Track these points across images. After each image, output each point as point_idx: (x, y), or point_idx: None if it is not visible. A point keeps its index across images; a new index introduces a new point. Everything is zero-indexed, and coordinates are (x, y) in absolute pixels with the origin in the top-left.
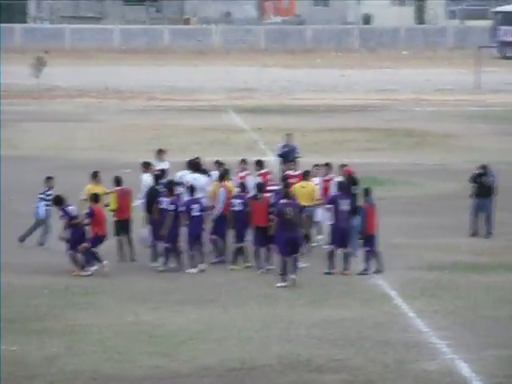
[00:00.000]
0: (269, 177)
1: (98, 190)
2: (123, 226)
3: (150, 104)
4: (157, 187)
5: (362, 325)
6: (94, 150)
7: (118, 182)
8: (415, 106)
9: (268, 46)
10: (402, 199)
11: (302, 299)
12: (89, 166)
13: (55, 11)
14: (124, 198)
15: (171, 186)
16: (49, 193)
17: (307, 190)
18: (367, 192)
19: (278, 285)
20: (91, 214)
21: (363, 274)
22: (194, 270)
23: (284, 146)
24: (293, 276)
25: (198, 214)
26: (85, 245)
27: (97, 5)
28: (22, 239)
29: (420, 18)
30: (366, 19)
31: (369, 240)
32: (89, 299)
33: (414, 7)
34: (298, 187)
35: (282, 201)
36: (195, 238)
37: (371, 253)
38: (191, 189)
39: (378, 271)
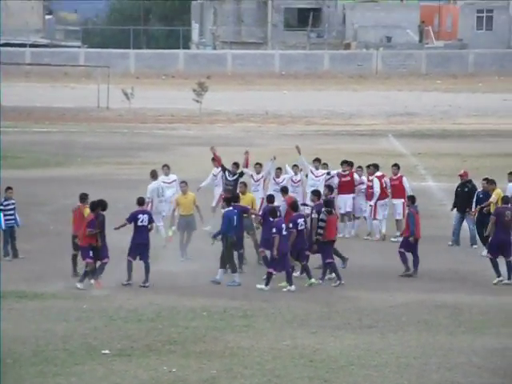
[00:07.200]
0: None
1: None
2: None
3: (309, 128)
4: None
5: None
6: None
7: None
8: None
9: (429, 71)
10: None
11: (463, 326)
12: None
13: (217, 37)
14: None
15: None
16: (6, 203)
17: None
18: None
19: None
20: None
21: None
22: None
23: None
24: (498, 278)
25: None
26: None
27: (258, 30)
28: (5, 254)
29: None
30: None
31: None
32: (247, 322)
33: None
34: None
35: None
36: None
37: None
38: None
39: None
